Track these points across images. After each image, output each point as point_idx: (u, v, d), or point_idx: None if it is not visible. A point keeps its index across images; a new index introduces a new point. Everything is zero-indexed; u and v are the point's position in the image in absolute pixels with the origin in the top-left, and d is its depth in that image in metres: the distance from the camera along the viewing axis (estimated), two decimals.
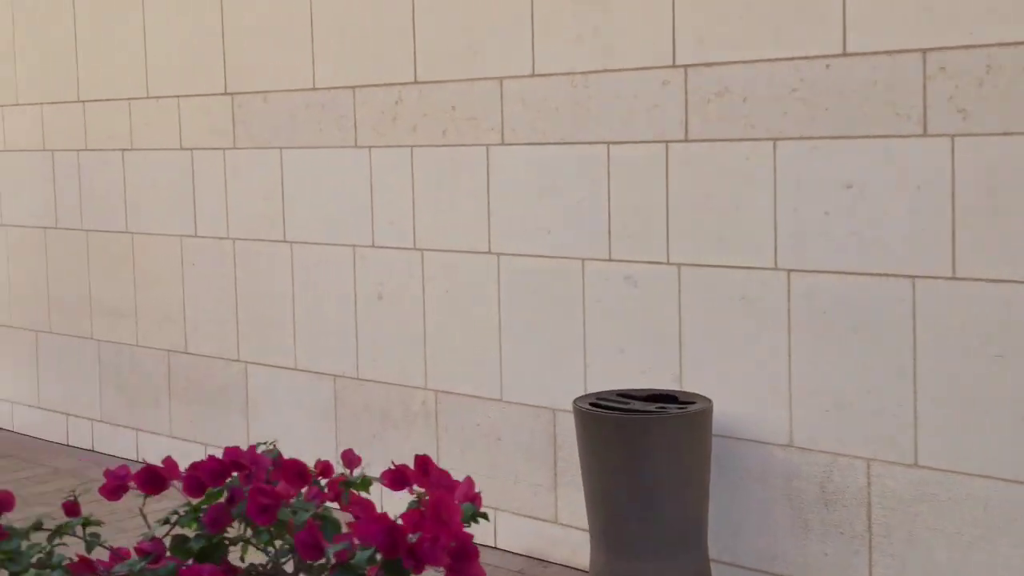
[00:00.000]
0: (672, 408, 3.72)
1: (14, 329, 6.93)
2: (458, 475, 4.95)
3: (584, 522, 4.36)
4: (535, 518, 4.56)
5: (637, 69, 4.13)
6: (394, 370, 5.03)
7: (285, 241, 5.42)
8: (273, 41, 5.38)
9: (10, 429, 7.01)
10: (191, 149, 5.81)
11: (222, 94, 5.62)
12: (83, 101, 6.35)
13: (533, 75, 4.43)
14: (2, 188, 6.96)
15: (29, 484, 5.92)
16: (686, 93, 4.01)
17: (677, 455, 3.63)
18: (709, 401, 3.79)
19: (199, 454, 5.88)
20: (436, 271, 4.84)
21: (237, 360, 5.70)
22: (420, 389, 4.94)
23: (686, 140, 4.02)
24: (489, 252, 4.63)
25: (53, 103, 6.54)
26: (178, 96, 5.84)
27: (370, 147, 5.03)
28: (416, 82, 4.83)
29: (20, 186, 6.83)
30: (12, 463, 6.35)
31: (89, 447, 6.51)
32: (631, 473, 3.62)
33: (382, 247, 5.02)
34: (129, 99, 6.09)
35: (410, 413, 4.99)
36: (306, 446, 5.41)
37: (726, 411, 3.91)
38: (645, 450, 3.61)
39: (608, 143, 4.22)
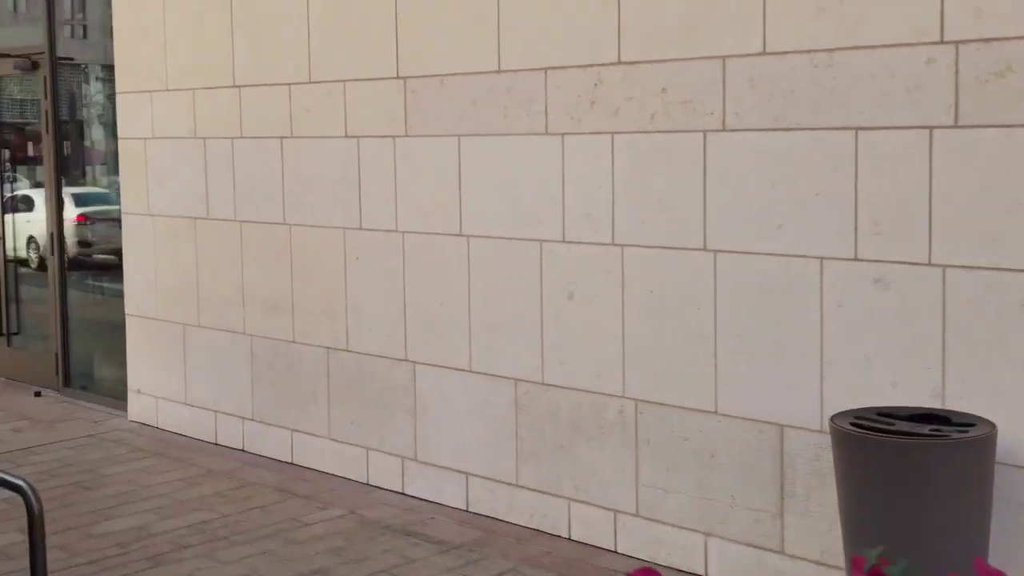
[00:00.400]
0: (952, 432, 3.26)
1: (161, 322, 6.67)
2: (659, 495, 4.45)
3: (816, 553, 3.92)
4: (756, 547, 4.12)
5: (894, 45, 3.66)
6: (586, 376, 4.62)
7: (461, 235, 5.05)
8: (453, 19, 5.00)
9: (155, 425, 6.76)
10: (357, 137, 5.47)
11: (393, 78, 5.27)
12: (238, 86, 6.05)
13: (764, 53, 3.99)
14: (150, 177, 6.70)
15: (183, 487, 5.64)
16: (957, 73, 3.53)
17: (959, 485, 3.18)
18: (992, 424, 3.32)
19: (360, 459, 5.55)
20: (638, 269, 4.42)
21: (404, 360, 5.35)
22: (616, 397, 4.53)
23: (955, 126, 3.55)
24: (704, 249, 4.21)
25: (206, 88, 6.25)
26: (344, 81, 5.50)
27: (563, 134, 4.63)
28: (620, 62, 4.42)
29: (169, 175, 6.56)
30: (162, 462, 6.08)
31: (239, 447, 6.22)
32: (906, 503, 3.17)
33: (574, 242, 4.62)
34: (289, 84, 5.77)
35: (604, 423, 4.58)
36: (482, 455, 5.04)
37: (1004, 433, 3.43)
38: (924, 478, 3.15)
39: (856, 129, 3.76)
